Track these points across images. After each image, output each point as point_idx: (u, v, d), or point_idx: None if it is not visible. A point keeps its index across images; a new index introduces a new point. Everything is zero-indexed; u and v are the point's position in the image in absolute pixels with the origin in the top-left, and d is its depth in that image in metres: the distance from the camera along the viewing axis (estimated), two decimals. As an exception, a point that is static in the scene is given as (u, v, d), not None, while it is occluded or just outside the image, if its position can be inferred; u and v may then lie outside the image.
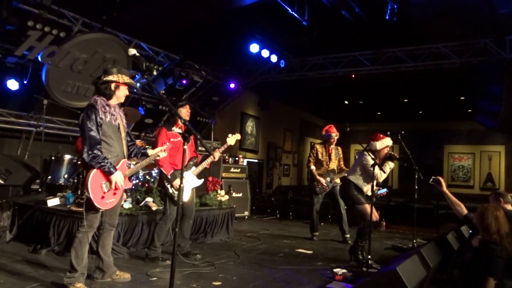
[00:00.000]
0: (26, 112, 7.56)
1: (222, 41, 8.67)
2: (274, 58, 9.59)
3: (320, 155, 6.84)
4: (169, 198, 4.68)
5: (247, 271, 4.58)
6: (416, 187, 6.25)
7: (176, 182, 4.57)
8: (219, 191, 7.00)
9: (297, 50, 9.87)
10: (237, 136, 5.05)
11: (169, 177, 4.61)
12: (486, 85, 9.98)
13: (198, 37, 8.47)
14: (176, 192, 4.60)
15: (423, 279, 3.17)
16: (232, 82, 10.35)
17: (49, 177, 6.26)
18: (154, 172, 6.28)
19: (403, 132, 6.12)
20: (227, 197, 6.93)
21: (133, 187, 5.61)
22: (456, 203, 3.88)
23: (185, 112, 4.82)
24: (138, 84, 8.28)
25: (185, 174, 4.68)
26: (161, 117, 9.53)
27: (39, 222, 5.10)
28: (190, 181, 4.79)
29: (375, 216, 5.05)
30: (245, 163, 10.01)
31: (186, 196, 4.76)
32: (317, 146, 6.96)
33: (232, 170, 8.90)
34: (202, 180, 4.94)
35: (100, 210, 3.55)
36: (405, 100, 14.08)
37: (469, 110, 14.18)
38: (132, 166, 3.93)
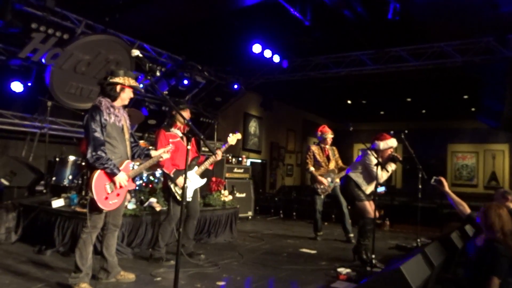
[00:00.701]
0: (30, 114, 7.60)
1: (225, 41, 8.68)
2: (276, 58, 9.59)
3: (317, 156, 6.79)
4: (172, 198, 4.70)
5: (251, 271, 4.59)
6: (420, 186, 6.24)
7: (180, 180, 4.60)
8: (222, 191, 7.00)
9: (299, 50, 9.86)
10: (238, 136, 5.08)
11: (172, 175, 4.63)
12: (489, 84, 9.96)
13: (201, 38, 8.48)
14: (179, 191, 4.62)
15: (427, 278, 3.17)
16: (235, 83, 10.37)
17: (54, 178, 6.28)
18: (158, 172, 6.30)
19: (406, 131, 6.11)
20: (230, 197, 6.94)
21: (136, 187, 5.63)
22: (459, 203, 3.87)
23: (185, 115, 4.83)
24: (141, 85, 8.31)
25: (188, 173, 4.69)
26: (164, 118, 9.54)
27: (43, 223, 5.13)
28: (193, 181, 4.80)
29: (373, 213, 5.00)
30: (248, 163, 10.01)
31: (189, 196, 4.77)
32: (313, 148, 6.88)
33: (235, 170, 8.91)
34: (205, 179, 4.95)
35: (104, 210, 3.57)
36: (408, 99, 14.03)
37: (473, 109, 14.14)
38: (135, 167, 3.95)
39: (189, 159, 4.73)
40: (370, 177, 5.10)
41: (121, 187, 3.60)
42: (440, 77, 10.91)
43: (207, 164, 4.87)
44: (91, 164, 3.49)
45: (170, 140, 4.65)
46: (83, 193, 5.39)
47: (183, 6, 7.20)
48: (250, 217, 8.83)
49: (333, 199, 6.99)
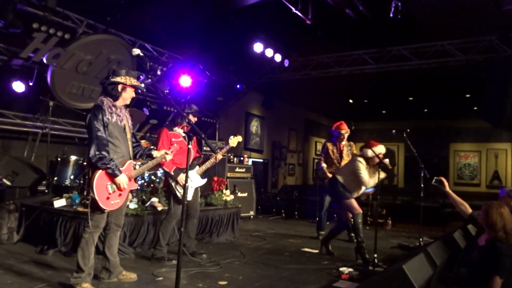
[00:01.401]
0: (32, 114, 7.61)
1: (226, 41, 8.67)
2: (278, 58, 9.57)
3: (330, 153, 6.75)
4: (173, 197, 4.70)
5: (253, 271, 4.58)
6: (422, 185, 6.23)
7: (180, 178, 4.62)
8: (224, 191, 7.01)
9: (301, 49, 9.85)
10: (239, 138, 5.14)
11: (172, 173, 4.63)
12: (492, 82, 9.91)
13: (202, 37, 8.47)
14: (181, 190, 4.62)
15: (430, 278, 3.15)
16: (236, 83, 10.36)
17: (55, 178, 6.29)
18: (159, 172, 6.30)
19: (408, 131, 6.11)
20: (232, 196, 6.94)
21: (138, 187, 5.63)
22: (460, 203, 3.85)
23: (192, 119, 4.88)
24: (142, 85, 8.31)
25: (189, 173, 4.69)
26: (166, 118, 9.55)
27: (45, 223, 5.14)
28: (194, 180, 4.80)
29: (359, 208, 5.25)
30: (250, 163, 10.01)
31: (190, 195, 4.78)
32: (328, 144, 6.85)
33: (237, 170, 8.91)
34: (206, 179, 4.96)
35: (106, 211, 3.57)
36: (410, 98, 14.00)
37: (475, 108, 14.08)
38: (137, 167, 3.95)
39: (191, 158, 4.78)
40: (357, 182, 5.25)
41: (122, 188, 3.60)
42: (442, 76, 10.87)
43: (208, 165, 4.89)
44: (93, 164, 3.49)
45: (173, 139, 4.65)
46: (85, 193, 5.40)
47: (184, 6, 7.19)
48: (252, 217, 8.83)
49: None
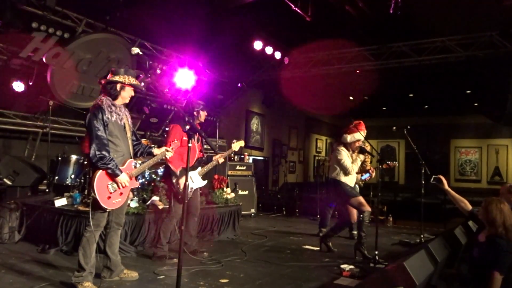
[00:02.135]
0: (32, 113, 7.61)
1: (226, 38, 8.66)
2: (278, 55, 9.57)
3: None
4: (174, 196, 4.70)
5: (254, 268, 4.58)
6: (423, 182, 6.22)
7: (182, 180, 4.60)
8: (225, 188, 7.00)
9: (301, 46, 9.83)
10: (241, 143, 5.19)
11: (178, 173, 4.62)
12: (493, 78, 9.90)
13: (202, 35, 8.46)
14: (181, 190, 4.62)
15: (431, 274, 3.15)
16: (236, 80, 10.34)
17: (56, 177, 6.30)
18: (160, 171, 6.29)
19: (409, 127, 6.10)
20: (233, 194, 6.94)
21: (139, 186, 5.63)
22: (460, 200, 3.85)
23: (203, 115, 4.90)
24: (142, 84, 8.30)
25: (191, 173, 4.69)
26: (166, 116, 9.55)
27: (47, 222, 5.14)
28: (195, 181, 4.80)
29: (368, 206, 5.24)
30: (250, 161, 10.01)
31: (190, 194, 4.77)
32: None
33: (238, 167, 8.91)
34: (206, 181, 4.96)
35: (107, 210, 3.57)
36: (411, 95, 13.97)
37: (476, 104, 14.06)
38: (138, 165, 3.94)
39: (195, 158, 4.79)
40: (343, 170, 5.30)
41: (123, 187, 3.60)
42: (442, 72, 10.83)
43: (209, 166, 4.90)
44: (93, 163, 3.48)
45: (184, 138, 4.62)
46: (86, 192, 5.40)
47: (183, 4, 7.18)
48: (253, 214, 8.83)
49: None
